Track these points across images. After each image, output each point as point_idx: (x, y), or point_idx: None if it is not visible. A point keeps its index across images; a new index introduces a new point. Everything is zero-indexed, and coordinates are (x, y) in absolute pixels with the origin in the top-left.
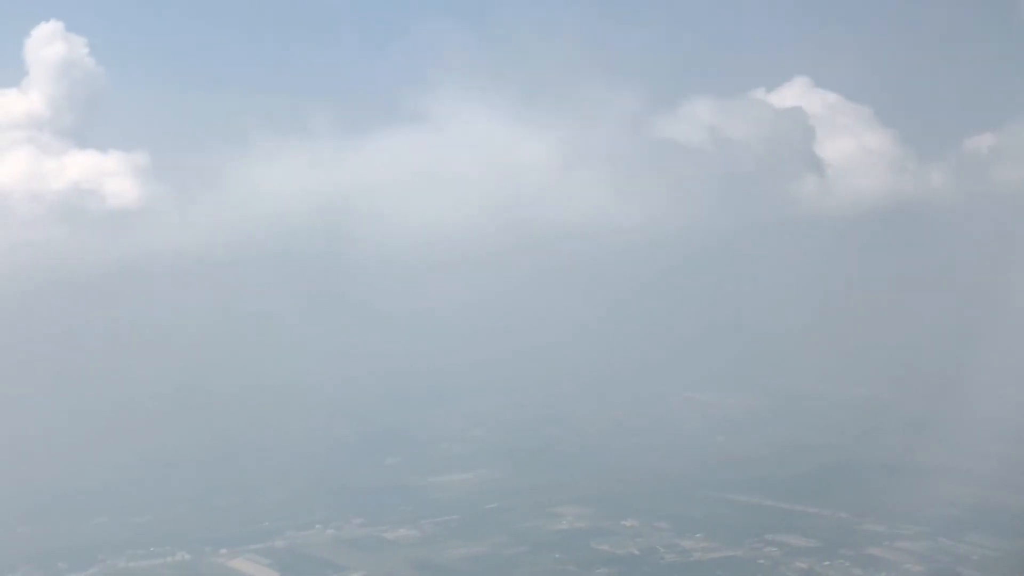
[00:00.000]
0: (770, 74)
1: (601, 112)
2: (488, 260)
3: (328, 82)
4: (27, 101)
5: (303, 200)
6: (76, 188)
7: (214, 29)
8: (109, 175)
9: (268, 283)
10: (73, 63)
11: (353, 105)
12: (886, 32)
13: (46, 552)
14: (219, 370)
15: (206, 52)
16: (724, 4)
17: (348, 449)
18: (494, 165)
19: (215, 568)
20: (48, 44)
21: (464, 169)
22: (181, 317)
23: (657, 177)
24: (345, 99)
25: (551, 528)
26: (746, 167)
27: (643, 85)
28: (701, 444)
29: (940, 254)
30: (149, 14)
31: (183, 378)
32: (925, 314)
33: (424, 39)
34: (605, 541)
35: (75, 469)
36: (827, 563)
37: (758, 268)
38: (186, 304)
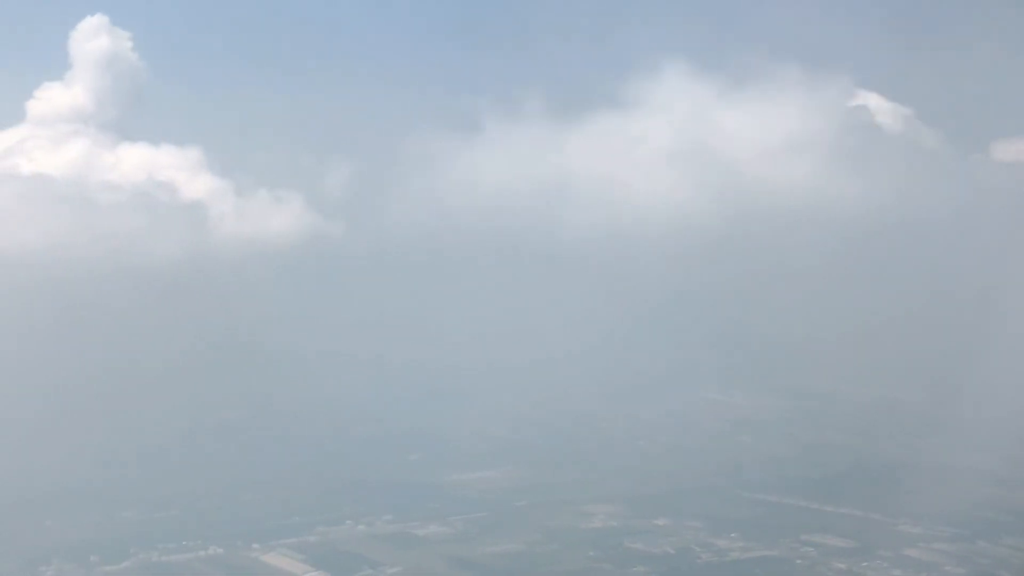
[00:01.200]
0: None
1: (814, 95)
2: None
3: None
4: (72, 95)
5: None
6: (151, 179)
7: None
8: (175, 168)
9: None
10: (117, 57)
11: (564, 91)
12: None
13: (77, 545)
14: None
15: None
16: None
17: (371, 445)
18: (709, 150)
19: (249, 562)
20: (93, 38)
21: (678, 154)
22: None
23: (871, 163)
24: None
25: (583, 526)
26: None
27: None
28: (727, 445)
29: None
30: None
31: (215, 372)
32: (948, 315)
33: (635, 21)
34: (639, 540)
35: (101, 462)
36: (865, 564)
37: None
38: (262, 299)
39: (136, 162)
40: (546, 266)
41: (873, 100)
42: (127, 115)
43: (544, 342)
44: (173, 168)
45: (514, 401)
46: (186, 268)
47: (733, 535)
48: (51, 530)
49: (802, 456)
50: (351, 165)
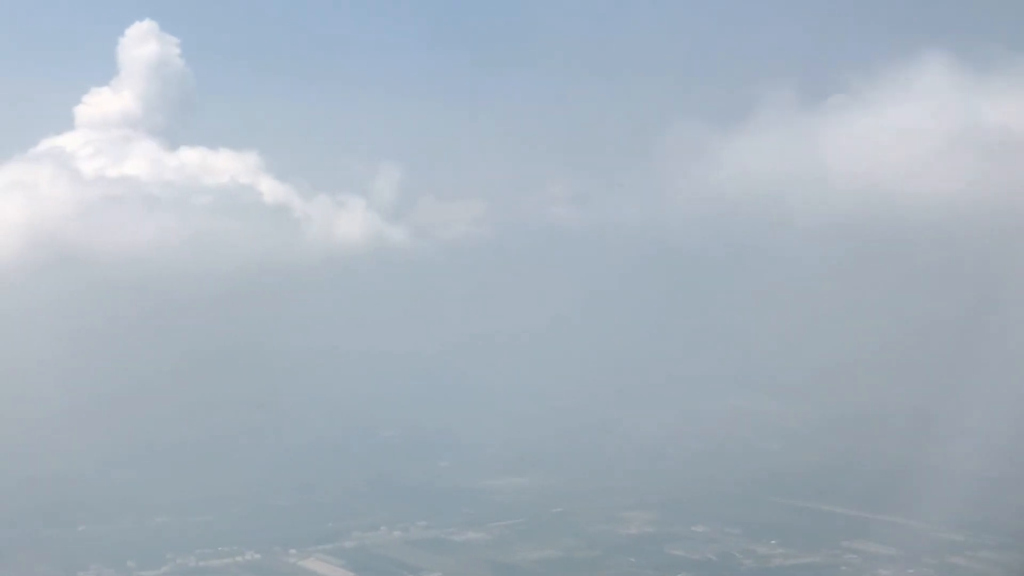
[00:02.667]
0: None
1: None
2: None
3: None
4: (120, 100)
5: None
6: (234, 182)
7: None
8: (249, 172)
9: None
10: (165, 62)
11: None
12: None
13: (113, 550)
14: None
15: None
16: None
17: (396, 451)
18: (972, 139)
19: (287, 568)
20: (142, 43)
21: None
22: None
23: None
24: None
25: (621, 532)
26: None
27: None
28: (757, 452)
29: None
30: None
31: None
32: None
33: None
34: (678, 546)
35: (135, 465)
36: (911, 572)
37: None
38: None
39: (203, 165)
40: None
41: None
42: (175, 120)
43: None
44: (236, 172)
45: (543, 407)
46: (280, 270)
47: (773, 542)
48: (86, 535)
49: (833, 463)
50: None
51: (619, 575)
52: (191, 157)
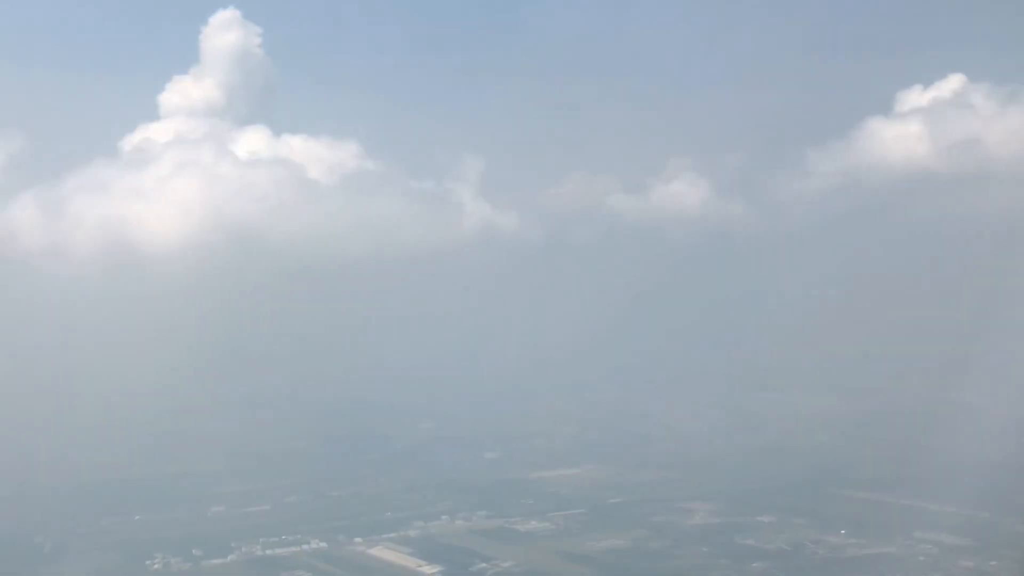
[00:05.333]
0: None
1: None
2: None
3: None
4: (203, 88)
5: None
6: (361, 167)
7: None
8: (354, 159)
9: None
10: (247, 51)
11: None
12: None
13: (177, 540)
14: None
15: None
16: None
17: (439, 443)
18: None
19: (356, 556)
20: (225, 32)
21: None
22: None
23: None
24: None
25: (686, 523)
26: None
27: None
28: (804, 443)
29: None
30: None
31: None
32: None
33: None
34: (748, 536)
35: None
36: (994, 563)
37: None
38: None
39: (315, 152)
40: None
41: None
42: (257, 109)
43: None
44: (343, 159)
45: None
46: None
47: (843, 532)
48: (144, 525)
49: (884, 454)
50: None
51: (694, 565)
52: (298, 144)
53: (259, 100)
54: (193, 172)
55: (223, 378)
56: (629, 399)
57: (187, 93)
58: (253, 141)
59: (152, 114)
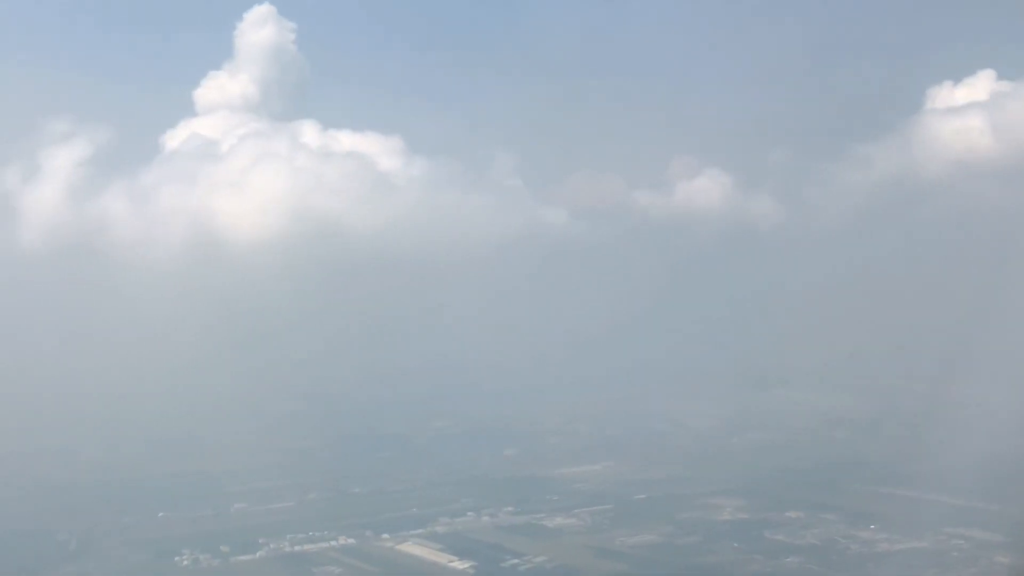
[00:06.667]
0: None
1: None
2: None
3: None
4: (238, 84)
5: None
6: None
7: None
8: (399, 154)
9: None
10: (281, 47)
11: None
12: None
13: (204, 536)
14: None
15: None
16: None
17: (455, 441)
18: None
19: (386, 552)
20: (260, 27)
21: None
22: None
23: None
24: None
25: (714, 519)
26: None
27: None
28: (822, 440)
29: None
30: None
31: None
32: None
33: None
34: (778, 532)
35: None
36: None
37: None
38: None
39: (364, 147)
40: None
41: None
42: (291, 104)
43: None
44: (384, 153)
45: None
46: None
47: (872, 527)
48: (169, 521)
49: (902, 450)
50: None
51: (727, 561)
52: (346, 139)
53: (293, 96)
54: (271, 165)
55: (261, 375)
56: (644, 396)
57: (223, 89)
58: (306, 135)
59: (188, 110)
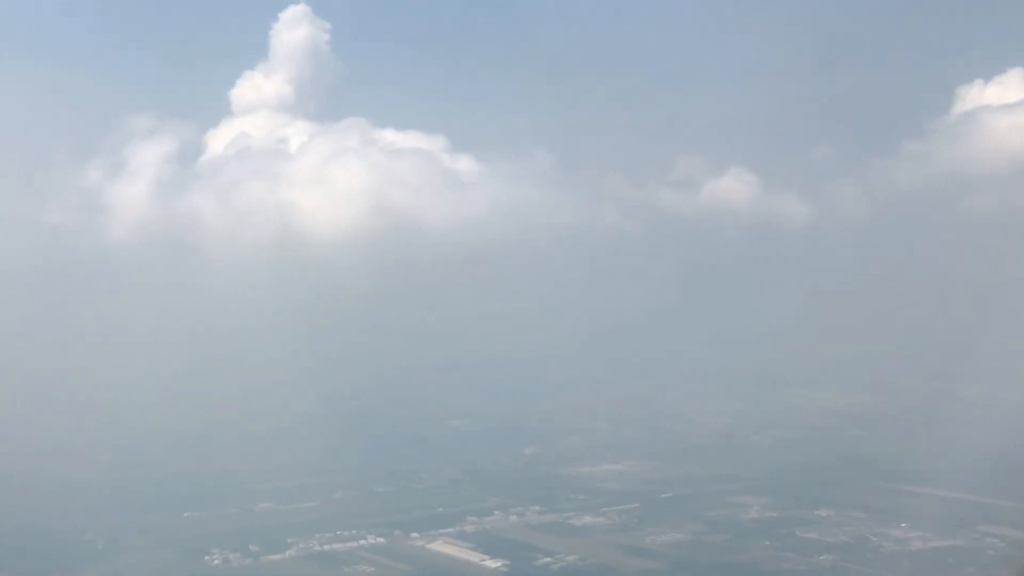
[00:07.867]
0: None
1: None
2: None
3: None
4: (273, 84)
5: None
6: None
7: None
8: (444, 152)
9: None
10: (316, 47)
11: None
12: None
13: (232, 536)
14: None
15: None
16: None
17: (473, 440)
18: None
19: (417, 551)
20: (295, 27)
21: None
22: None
23: None
24: None
25: (742, 517)
26: None
27: None
28: (842, 438)
29: None
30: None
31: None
32: None
33: None
34: (809, 530)
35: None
36: None
37: None
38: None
39: (415, 145)
40: None
41: None
42: (326, 104)
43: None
44: (436, 151)
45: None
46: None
47: (903, 525)
48: (195, 521)
49: (924, 448)
50: None
51: (760, 559)
52: (392, 137)
53: (328, 95)
54: (347, 162)
55: (303, 376)
56: (662, 395)
57: (259, 88)
58: (355, 133)
59: (224, 110)
